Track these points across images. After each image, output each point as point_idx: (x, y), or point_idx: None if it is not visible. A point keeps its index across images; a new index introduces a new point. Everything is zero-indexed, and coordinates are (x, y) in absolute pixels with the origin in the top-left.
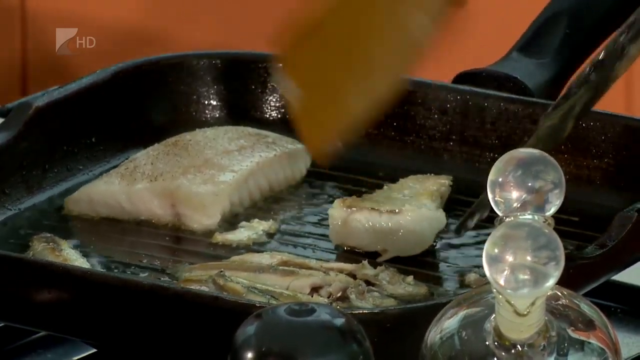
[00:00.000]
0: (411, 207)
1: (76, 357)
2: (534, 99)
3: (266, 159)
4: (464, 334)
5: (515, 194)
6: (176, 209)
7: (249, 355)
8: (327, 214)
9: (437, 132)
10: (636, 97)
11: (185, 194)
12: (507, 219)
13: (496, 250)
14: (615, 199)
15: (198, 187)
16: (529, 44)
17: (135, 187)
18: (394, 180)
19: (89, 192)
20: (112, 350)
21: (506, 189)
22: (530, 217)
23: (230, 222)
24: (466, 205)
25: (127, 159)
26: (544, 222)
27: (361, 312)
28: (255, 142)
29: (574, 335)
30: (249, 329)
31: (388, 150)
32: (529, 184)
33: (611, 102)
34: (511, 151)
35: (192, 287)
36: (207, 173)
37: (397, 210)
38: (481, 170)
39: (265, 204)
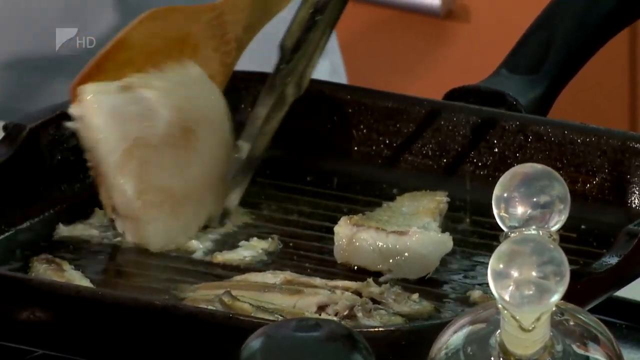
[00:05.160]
0: (418, 229)
1: None
2: (527, 115)
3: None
4: (469, 349)
5: (520, 209)
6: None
7: None
8: (325, 232)
9: (429, 150)
10: None
11: (160, 244)
12: (512, 235)
13: (501, 266)
14: (611, 215)
15: (166, 234)
16: (517, 61)
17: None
18: (389, 198)
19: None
20: None
21: (511, 204)
22: (535, 232)
23: (227, 242)
24: (460, 222)
25: None
26: (549, 237)
27: (376, 329)
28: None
29: (579, 350)
30: (255, 344)
31: (381, 168)
32: (534, 199)
33: (615, 119)
34: (516, 166)
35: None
36: (159, 198)
37: (403, 231)
38: (475, 187)
39: (261, 222)
